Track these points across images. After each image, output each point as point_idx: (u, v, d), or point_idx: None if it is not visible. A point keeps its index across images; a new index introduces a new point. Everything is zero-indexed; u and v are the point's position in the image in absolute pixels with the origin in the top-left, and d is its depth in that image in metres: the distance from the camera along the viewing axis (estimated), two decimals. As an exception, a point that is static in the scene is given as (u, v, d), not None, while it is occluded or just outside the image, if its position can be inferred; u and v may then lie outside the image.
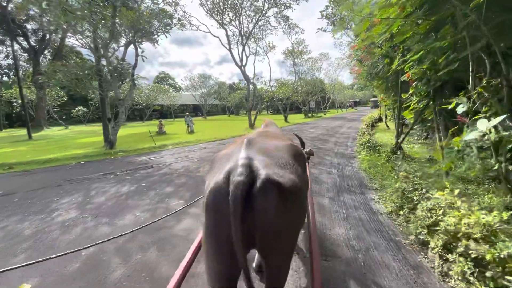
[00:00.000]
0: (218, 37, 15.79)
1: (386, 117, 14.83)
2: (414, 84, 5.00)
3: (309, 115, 34.60)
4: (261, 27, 20.06)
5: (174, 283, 1.46)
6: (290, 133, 7.18)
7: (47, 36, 29.40)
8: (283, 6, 15.04)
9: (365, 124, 13.30)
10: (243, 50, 16.55)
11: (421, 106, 5.02)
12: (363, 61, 11.22)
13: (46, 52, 33.18)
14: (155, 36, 11.82)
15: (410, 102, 5.20)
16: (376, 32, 4.59)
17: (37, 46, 29.58)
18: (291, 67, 28.74)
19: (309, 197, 2.34)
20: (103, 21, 9.43)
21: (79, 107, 36.87)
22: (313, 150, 3.10)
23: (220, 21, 15.17)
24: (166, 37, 12.08)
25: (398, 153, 6.49)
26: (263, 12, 15.51)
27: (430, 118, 5.28)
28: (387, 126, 14.54)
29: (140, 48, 11.50)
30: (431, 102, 4.83)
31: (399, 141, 6.68)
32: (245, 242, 1.07)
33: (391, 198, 3.91)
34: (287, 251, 1.26)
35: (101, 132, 12.26)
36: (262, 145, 1.42)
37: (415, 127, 6.96)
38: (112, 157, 9.13)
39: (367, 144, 7.32)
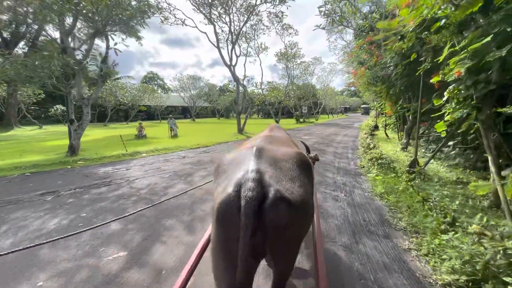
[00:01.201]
0: (205, 32, 14.45)
1: (386, 125, 13.76)
2: (452, 87, 3.76)
3: (301, 120, 33.53)
4: (253, 27, 18.82)
5: (181, 282, 1.47)
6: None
7: (23, 27, 27.14)
8: (277, 0, 13.79)
9: (365, 133, 12.14)
10: (233, 48, 15.23)
11: (461, 115, 3.78)
12: (366, 63, 10.10)
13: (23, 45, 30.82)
14: (133, 27, 10.33)
15: (432, 109, 3.95)
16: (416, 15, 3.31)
17: (9, 38, 27.25)
18: (283, 71, 27.71)
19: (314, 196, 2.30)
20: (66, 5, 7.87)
21: (57, 106, 34.50)
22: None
23: (208, 15, 13.80)
24: (143, 27, 10.59)
25: (418, 173, 5.25)
26: (255, 7, 14.24)
27: (471, 132, 4.04)
28: (386, 135, 13.47)
29: (113, 39, 9.98)
30: (476, 112, 3.60)
31: (421, 160, 5.44)
32: (253, 254, 1.11)
33: (440, 251, 2.60)
34: (293, 256, 1.35)
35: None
36: (272, 154, 1.40)
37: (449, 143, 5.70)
38: (68, 167, 7.52)
39: (379, 161, 6.01)
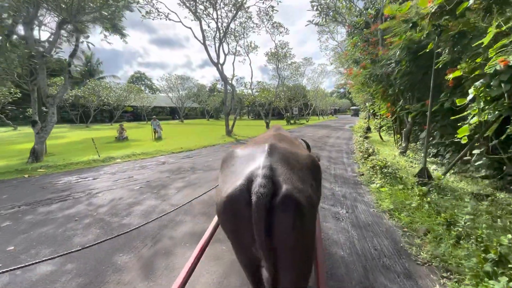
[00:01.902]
0: (190, 28, 13.48)
1: (380, 127, 13.21)
2: (479, 83, 3.06)
3: (292, 121, 32.94)
4: (243, 24, 18.02)
5: (179, 283, 1.44)
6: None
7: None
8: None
9: (360, 136, 11.53)
10: (220, 45, 14.32)
11: (490, 117, 3.07)
12: (362, 61, 9.46)
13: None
14: (111, 20, 9.32)
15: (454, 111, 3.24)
16: None
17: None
18: (274, 71, 27.02)
19: None
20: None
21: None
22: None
23: (193, 9, 12.88)
24: (121, 20, 9.60)
25: (435, 186, 4.56)
26: (243, 2, 13.42)
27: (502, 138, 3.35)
28: (381, 137, 12.92)
29: (86, 32, 8.94)
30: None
31: (441, 170, 4.75)
32: (269, 245, 1.11)
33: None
34: (303, 263, 1.27)
35: (52, 136, 9.50)
36: (284, 153, 1.37)
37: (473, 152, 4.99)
38: (26, 176, 6.46)
39: (383, 170, 5.23)
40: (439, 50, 3.97)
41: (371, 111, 20.94)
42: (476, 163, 4.09)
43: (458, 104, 3.26)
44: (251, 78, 19.69)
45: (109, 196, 4.79)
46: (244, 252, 1.25)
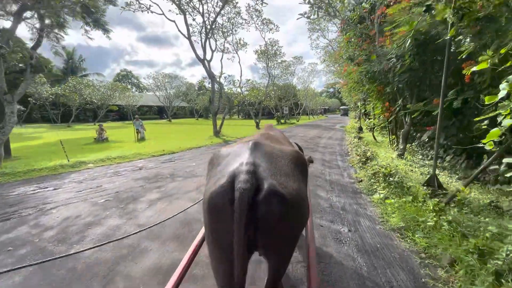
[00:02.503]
0: (174, 21, 12.63)
1: (373, 128, 12.76)
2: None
3: (282, 121, 32.41)
4: (231, 20, 17.26)
5: (172, 284, 1.42)
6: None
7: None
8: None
9: (354, 137, 11.02)
10: (206, 40, 13.48)
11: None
12: (357, 58, 8.91)
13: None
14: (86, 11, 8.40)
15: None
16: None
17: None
18: (264, 70, 26.37)
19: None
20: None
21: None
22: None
23: (177, 1, 12.02)
24: (103, 14, 8.70)
25: (440, 194, 3.98)
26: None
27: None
28: (374, 138, 12.46)
29: (45, 21, 7.95)
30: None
31: (463, 182, 4.20)
32: (247, 247, 1.08)
33: None
34: (287, 254, 1.31)
35: (27, 136, 8.46)
36: (268, 149, 1.37)
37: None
38: (-27, 186, 5.53)
39: (389, 179, 4.59)
40: (460, 37, 3.39)
41: (363, 111, 20.66)
42: (509, 174, 3.47)
43: (487, 102, 2.65)
44: (240, 76, 19.00)
45: (65, 213, 3.97)
46: (224, 257, 1.16)
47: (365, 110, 20.74)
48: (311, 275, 1.51)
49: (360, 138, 11.71)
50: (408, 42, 4.30)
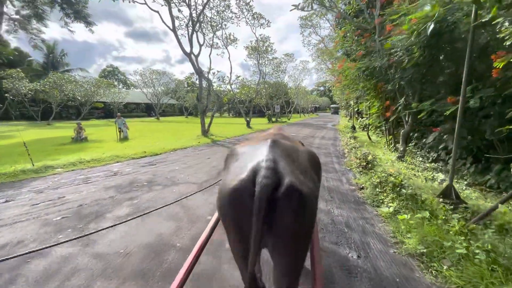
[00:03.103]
0: (157, 11, 11.76)
1: (368, 127, 12.30)
2: None
3: (273, 119, 31.83)
4: (220, 14, 16.43)
5: (178, 282, 1.44)
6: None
7: None
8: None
9: (350, 137, 10.50)
10: (193, 33, 12.59)
11: None
12: (354, 53, 8.35)
13: None
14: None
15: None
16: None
17: None
18: (255, 67, 25.63)
19: None
20: None
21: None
22: None
23: (161, -10, 11.14)
24: (85, 6, 7.77)
25: (457, 205, 3.41)
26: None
27: None
28: (369, 138, 12.00)
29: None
30: None
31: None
32: (261, 239, 1.10)
33: None
34: (301, 253, 1.28)
35: None
36: (286, 147, 1.40)
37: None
38: None
39: (400, 191, 3.95)
40: (499, 20, 2.80)
41: (356, 109, 20.28)
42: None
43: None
44: (230, 73, 18.19)
45: (6, 236, 3.17)
46: (243, 244, 1.19)
47: (358, 109, 20.43)
48: (316, 274, 1.50)
49: (354, 138, 11.21)
50: (431, 28, 3.68)
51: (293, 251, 1.24)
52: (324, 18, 19.92)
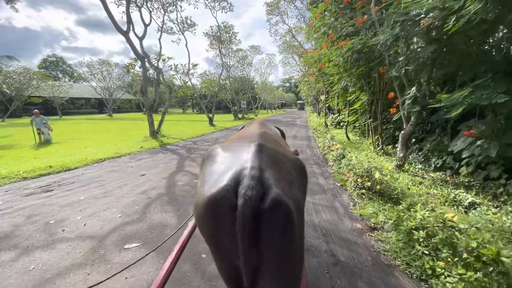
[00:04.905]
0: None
1: (347, 125, 10.75)
2: None
3: (240, 116, 29.65)
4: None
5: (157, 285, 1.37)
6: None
7: None
8: None
9: (331, 139, 8.77)
10: (129, 3, 9.71)
11: None
12: (344, 28, 6.51)
13: None
14: None
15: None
16: None
17: None
18: (218, 58, 23.06)
19: None
20: None
21: None
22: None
23: None
24: None
25: None
26: None
27: None
28: (347, 137, 10.45)
29: None
30: None
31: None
32: (251, 257, 0.98)
33: None
34: (291, 267, 1.11)
35: None
36: (272, 153, 1.24)
37: None
38: None
39: (461, 252, 2.07)
40: None
41: (326, 105, 18.96)
42: None
43: None
44: (189, 63, 15.54)
45: None
46: (226, 259, 1.10)
47: (329, 105, 19.15)
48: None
49: (332, 138, 9.53)
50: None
51: (282, 271, 1.05)
52: (293, 5, 18.19)
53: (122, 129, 16.94)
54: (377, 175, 3.78)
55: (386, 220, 3.28)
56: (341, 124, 14.62)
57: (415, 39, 4.91)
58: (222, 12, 17.99)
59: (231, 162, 1.16)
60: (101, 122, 24.63)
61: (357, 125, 11.48)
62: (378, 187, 3.72)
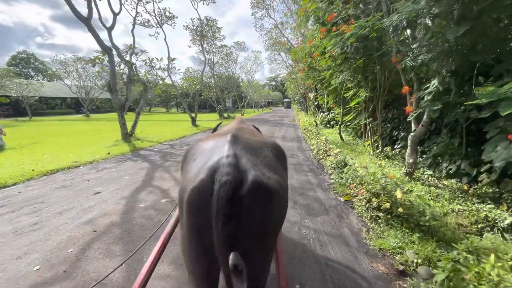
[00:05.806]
0: None
1: (340, 124, 9.93)
2: None
3: (225, 115, 28.46)
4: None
5: (138, 284, 1.34)
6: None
7: None
8: None
9: (325, 140, 7.89)
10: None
11: None
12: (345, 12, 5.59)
13: None
14: None
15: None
16: None
17: None
18: (200, 54, 21.78)
19: None
20: None
21: None
22: None
23: None
24: None
25: None
26: None
27: None
28: (341, 138, 9.64)
29: None
30: None
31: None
32: (228, 244, 0.98)
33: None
34: (270, 252, 1.20)
35: None
36: (248, 141, 1.28)
37: None
38: None
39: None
40: None
41: (316, 103, 18.20)
42: None
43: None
44: (168, 57, 14.26)
45: None
46: (203, 257, 1.07)
47: (318, 103, 18.38)
48: (280, 276, 1.43)
49: (327, 140, 8.67)
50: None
51: (261, 254, 1.13)
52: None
53: (94, 131, 15.41)
54: (399, 194, 2.87)
55: (419, 261, 2.38)
56: (332, 123, 13.86)
57: (429, 22, 4.06)
58: (204, 4, 16.77)
59: (209, 155, 1.15)
60: (74, 123, 22.76)
61: (349, 124, 10.71)
62: (400, 209, 2.81)
